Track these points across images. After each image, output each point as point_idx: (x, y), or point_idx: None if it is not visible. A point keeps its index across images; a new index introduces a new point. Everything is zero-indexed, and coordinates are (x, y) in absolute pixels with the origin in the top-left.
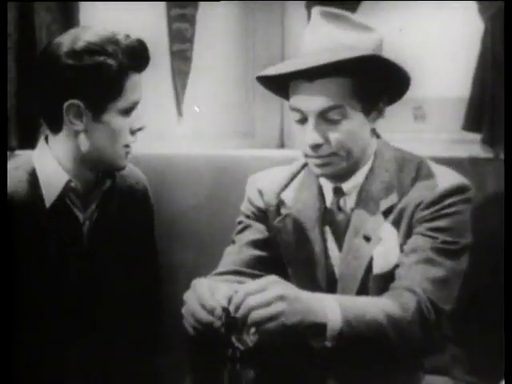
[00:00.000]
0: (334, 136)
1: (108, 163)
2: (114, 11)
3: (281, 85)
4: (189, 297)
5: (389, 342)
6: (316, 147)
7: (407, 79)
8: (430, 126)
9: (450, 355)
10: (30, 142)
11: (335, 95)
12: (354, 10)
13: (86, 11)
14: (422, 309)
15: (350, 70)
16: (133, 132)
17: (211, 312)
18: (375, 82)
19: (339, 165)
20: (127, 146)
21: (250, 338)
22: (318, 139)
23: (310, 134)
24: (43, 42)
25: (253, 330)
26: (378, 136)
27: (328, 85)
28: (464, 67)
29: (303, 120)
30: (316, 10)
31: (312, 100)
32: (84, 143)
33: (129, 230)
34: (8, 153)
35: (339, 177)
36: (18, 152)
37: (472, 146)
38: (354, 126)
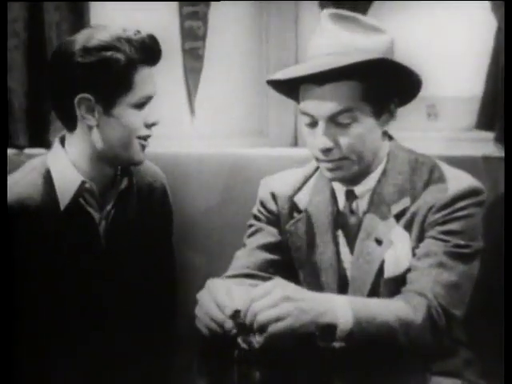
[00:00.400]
0: (345, 140)
1: (124, 158)
2: (125, 10)
3: (291, 88)
4: (203, 296)
5: (398, 345)
6: (326, 151)
7: (418, 82)
8: (443, 125)
9: (462, 359)
10: (39, 141)
11: (345, 99)
12: (365, 9)
13: (96, 10)
14: (432, 314)
15: (359, 73)
16: (148, 126)
17: (224, 311)
18: (385, 84)
19: (350, 169)
20: (142, 138)
21: (256, 340)
22: (329, 143)
23: (320, 139)
24: (53, 41)
25: (260, 332)
26: (390, 137)
27: (338, 89)
28: (477, 65)
29: (313, 124)
30: (325, 13)
31: (322, 104)
32: (98, 139)
33: (147, 229)
34: (17, 151)
35: (351, 180)
36: (27, 151)
37: (485, 145)
38: (365, 129)
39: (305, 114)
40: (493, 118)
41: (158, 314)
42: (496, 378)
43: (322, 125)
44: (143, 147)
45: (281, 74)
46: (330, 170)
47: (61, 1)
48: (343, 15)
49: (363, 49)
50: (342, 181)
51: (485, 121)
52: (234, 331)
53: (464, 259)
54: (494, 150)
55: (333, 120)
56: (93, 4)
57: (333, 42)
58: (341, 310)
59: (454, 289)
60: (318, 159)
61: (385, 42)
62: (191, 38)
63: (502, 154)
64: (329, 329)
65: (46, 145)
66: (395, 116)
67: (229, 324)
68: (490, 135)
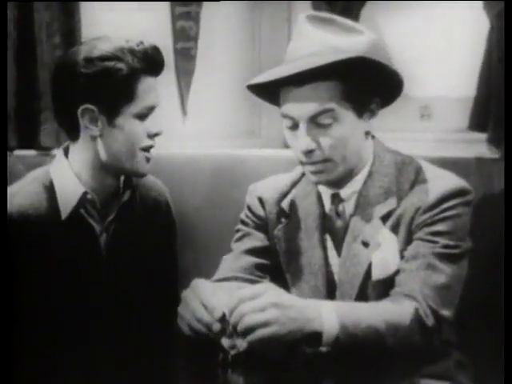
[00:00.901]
0: (326, 141)
1: (128, 169)
2: (117, 9)
3: (271, 92)
4: (189, 296)
5: (387, 348)
6: (309, 153)
7: (400, 81)
8: (436, 126)
9: (453, 361)
10: (29, 143)
11: (325, 99)
12: (358, 9)
13: (86, 10)
14: (421, 316)
15: (338, 73)
16: (150, 136)
17: (212, 312)
18: (366, 83)
19: (334, 171)
20: (145, 150)
21: (240, 343)
22: (311, 144)
23: (302, 140)
24: (43, 41)
25: (243, 335)
26: (373, 137)
27: (317, 89)
28: (470, 66)
29: (295, 126)
30: (303, 16)
31: (302, 106)
32: (101, 149)
33: (149, 242)
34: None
35: (337, 183)
36: (17, 152)
37: (478, 146)
38: (347, 130)
39: (286, 116)
40: (485, 119)
41: (159, 325)
42: (489, 382)
43: (303, 126)
44: (148, 159)
45: (259, 79)
46: (314, 173)
47: (51, 0)
48: (321, 17)
49: (342, 49)
50: (327, 184)
51: (477, 122)
52: (219, 334)
53: (453, 260)
54: (487, 151)
55: (313, 121)
56: (83, 4)
57: (310, 43)
58: (326, 316)
59: (444, 290)
60: (301, 163)
61: (364, 41)
62: (183, 38)
63: (495, 155)
64: (315, 335)
65: (37, 146)
66: (377, 115)
67: (216, 326)
68: (483, 136)
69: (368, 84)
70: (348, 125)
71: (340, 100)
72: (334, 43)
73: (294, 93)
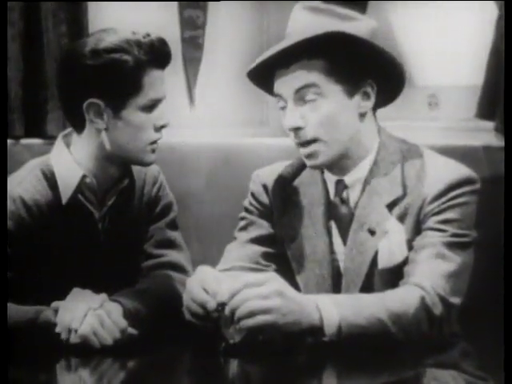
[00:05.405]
0: (313, 118)
1: (133, 159)
2: None
3: (268, 81)
4: (191, 281)
5: (391, 337)
6: (296, 130)
7: (395, 63)
8: (444, 114)
9: (458, 350)
10: (36, 131)
11: (309, 75)
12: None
13: None
14: (427, 304)
15: (322, 50)
16: (157, 129)
17: (212, 296)
18: (354, 62)
19: (327, 153)
20: (153, 143)
21: (237, 330)
22: (297, 121)
23: (288, 117)
24: (49, 30)
25: (240, 323)
26: (379, 127)
27: (303, 67)
28: (478, 54)
29: (285, 107)
30: (298, 5)
31: (287, 82)
32: (107, 141)
33: (147, 229)
34: (14, 141)
35: (337, 168)
36: (24, 141)
37: (485, 135)
38: (334, 107)
39: (276, 95)
40: (493, 108)
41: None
42: (494, 369)
43: (289, 103)
44: (153, 150)
45: (252, 65)
46: (307, 156)
47: None
48: (318, 6)
49: None
50: (323, 168)
51: (485, 110)
52: (216, 314)
53: (462, 248)
54: (495, 140)
55: (300, 98)
56: None
57: (305, 26)
58: (324, 308)
59: (453, 278)
60: (296, 145)
61: (361, 27)
62: (191, 26)
63: (502, 144)
64: (316, 328)
65: (44, 135)
66: (373, 100)
67: (211, 304)
68: (491, 125)
69: (357, 64)
70: (335, 103)
71: (325, 77)
72: (330, 28)
73: (282, 72)
